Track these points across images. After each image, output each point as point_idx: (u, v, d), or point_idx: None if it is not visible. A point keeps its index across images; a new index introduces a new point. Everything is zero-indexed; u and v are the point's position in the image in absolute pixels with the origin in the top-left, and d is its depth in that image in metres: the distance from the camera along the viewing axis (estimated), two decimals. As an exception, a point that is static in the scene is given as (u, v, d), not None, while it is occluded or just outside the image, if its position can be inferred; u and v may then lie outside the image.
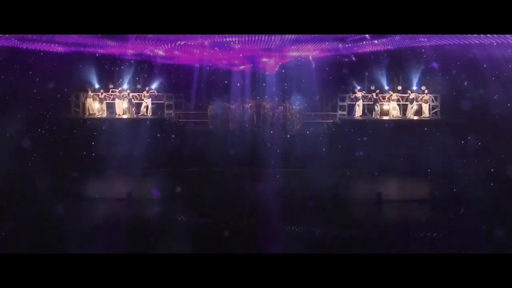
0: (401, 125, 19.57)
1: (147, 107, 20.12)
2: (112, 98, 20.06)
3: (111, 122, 19.07)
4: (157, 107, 20.71)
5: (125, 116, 19.90)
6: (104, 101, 20.03)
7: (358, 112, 20.17)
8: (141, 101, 20.20)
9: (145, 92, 20.11)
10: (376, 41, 16.76)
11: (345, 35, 15.60)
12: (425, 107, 19.89)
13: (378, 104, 19.86)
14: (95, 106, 19.90)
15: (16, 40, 16.02)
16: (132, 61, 20.43)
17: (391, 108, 19.96)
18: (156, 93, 20.43)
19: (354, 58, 20.03)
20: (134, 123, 19.28)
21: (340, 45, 17.64)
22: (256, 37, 16.03)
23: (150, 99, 20.14)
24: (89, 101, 19.81)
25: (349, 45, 17.46)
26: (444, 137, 17.78)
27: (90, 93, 19.85)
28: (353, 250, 10.58)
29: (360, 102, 20.12)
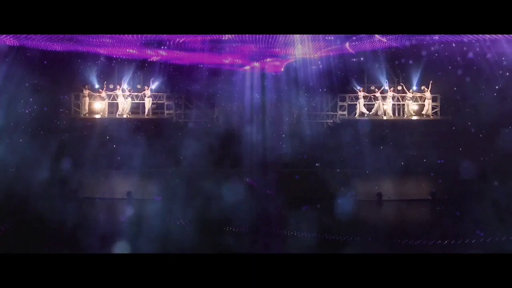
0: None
1: (147, 107, 20.03)
2: (112, 97, 20.01)
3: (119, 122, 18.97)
4: (157, 107, 20.67)
5: (125, 116, 19.86)
6: (105, 100, 19.95)
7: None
8: (142, 101, 20.15)
9: (145, 92, 20.02)
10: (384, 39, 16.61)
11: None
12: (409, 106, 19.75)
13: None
14: (96, 106, 19.80)
15: (13, 39, 16.01)
16: (133, 61, 20.37)
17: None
18: (153, 93, 20.32)
19: (362, 58, 19.89)
20: (140, 123, 19.20)
21: (347, 44, 17.55)
22: (259, 37, 16.00)
23: (150, 99, 20.02)
24: (86, 100, 19.66)
25: (356, 43, 17.30)
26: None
27: (87, 91, 19.70)
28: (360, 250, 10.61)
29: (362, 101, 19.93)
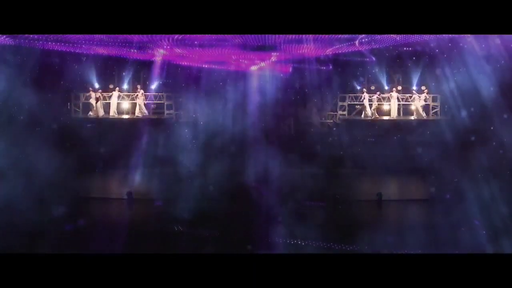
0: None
1: (139, 106, 20.03)
2: (122, 97, 20.10)
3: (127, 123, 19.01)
4: (157, 107, 20.70)
5: (125, 116, 19.89)
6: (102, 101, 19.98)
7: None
8: (133, 101, 20.17)
9: (138, 93, 20.00)
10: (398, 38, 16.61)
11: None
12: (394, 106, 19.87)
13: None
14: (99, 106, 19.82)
15: (12, 39, 16.03)
16: (135, 60, 20.39)
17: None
18: (152, 93, 20.35)
19: (374, 58, 19.93)
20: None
21: (356, 43, 17.56)
22: (265, 37, 16.03)
23: (142, 99, 20.01)
24: (94, 101, 19.74)
25: (366, 39, 17.28)
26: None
27: (93, 93, 19.78)
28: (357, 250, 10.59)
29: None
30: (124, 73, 20.67)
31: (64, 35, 15.25)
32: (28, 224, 12.17)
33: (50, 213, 12.74)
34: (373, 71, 20.69)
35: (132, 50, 18.85)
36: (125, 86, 20.62)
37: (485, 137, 16.88)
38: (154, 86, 20.70)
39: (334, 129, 20.40)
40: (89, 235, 11.57)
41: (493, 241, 10.97)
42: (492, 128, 16.96)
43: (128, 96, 20.30)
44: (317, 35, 15.56)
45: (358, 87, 20.98)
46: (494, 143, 16.59)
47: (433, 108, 20.12)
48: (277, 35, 15.77)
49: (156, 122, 19.70)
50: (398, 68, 20.71)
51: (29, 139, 16.49)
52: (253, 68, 20.65)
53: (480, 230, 11.74)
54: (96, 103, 19.63)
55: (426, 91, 19.82)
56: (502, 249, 10.39)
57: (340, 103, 20.80)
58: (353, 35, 16.08)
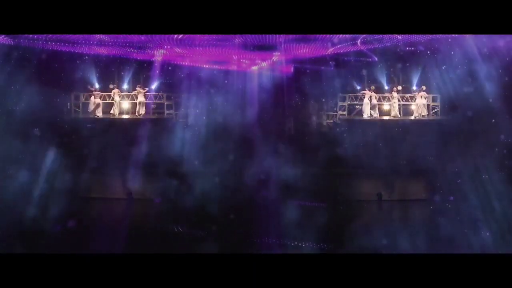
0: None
1: (140, 105, 20.01)
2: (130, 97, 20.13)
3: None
4: (157, 107, 20.69)
5: (125, 116, 19.88)
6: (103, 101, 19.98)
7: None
8: (133, 101, 20.16)
9: (139, 90, 19.99)
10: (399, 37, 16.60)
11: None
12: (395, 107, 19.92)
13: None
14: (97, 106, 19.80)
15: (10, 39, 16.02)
16: (133, 61, 20.38)
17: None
18: (152, 93, 20.35)
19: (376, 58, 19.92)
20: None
21: (358, 42, 17.55)
22: (266, 37, 16.02)
23: (142, 98, 20.01)
24: (96, 100, 19.74)
25: (367, 39, 17.27)
26: None
27: (97, 93, 19.79)
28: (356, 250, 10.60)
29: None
30: (124, 73, 20.66)
31: (64, 35, 15.24)
32: (27, 224, 12.21)
33: (50, 213, 12.74)
34: (374, 70, 20.67)
35: (132, 50, 18.83)
36: (125, 86, 20.61)
37: (485, 137, 16.88)
38: (154, 86, 20.68)
39: (335, 129, 20.38)
40: (89, 235, 11.58)
41: (493, 241, 10.98)
42: (491, 127, 16.94)
43: (128, 96, 20.31)
44: (318, 35, 15.55)
45: (358, 87, 20.97)
46: (494, 143, 16.58)
47: (433, 108, 20.12)
48: (278, 35, 15.77)
49: (156, 122, 19.69)
50: (399, 67, 20.69)
51: (29, 139, 16.48)
52: (254, 68, 20.64)
53: (481, 230, 11.75)
54: (95, 100, 19.64)
55: (423, 91, 19.81)
56: (502, 249, 10.38)
57: (340, 103, 20.78)
58: (354, 35, 16.07)
